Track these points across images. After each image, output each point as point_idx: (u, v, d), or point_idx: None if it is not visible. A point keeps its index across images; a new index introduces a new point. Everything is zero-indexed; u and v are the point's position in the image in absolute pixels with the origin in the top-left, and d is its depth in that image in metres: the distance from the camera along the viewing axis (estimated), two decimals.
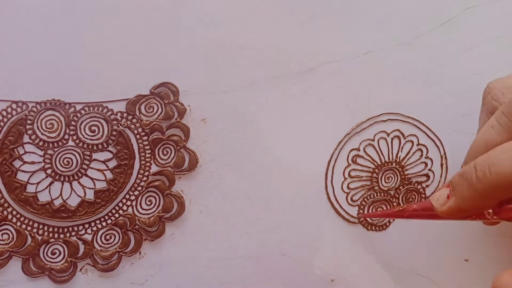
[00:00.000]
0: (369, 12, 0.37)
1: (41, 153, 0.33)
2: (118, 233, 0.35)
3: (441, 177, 0.40)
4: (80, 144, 0.34)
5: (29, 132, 0.33)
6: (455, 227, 0.41)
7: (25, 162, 0.33)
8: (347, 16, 0.37)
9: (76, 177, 0.34)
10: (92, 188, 0.34)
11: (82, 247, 0.34)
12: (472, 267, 0.42)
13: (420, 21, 0.38)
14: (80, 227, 0.34)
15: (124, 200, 0.35)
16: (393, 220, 0.40)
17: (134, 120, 0.34)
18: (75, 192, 0.34)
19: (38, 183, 0.33)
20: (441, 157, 0.40)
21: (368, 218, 0.39)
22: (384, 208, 0.40)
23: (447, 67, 0.39)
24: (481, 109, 0.34)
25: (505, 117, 0.29)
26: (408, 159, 0.40)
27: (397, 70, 0.38)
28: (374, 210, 0.39)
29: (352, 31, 0.37)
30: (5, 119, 0.32)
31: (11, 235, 0.33)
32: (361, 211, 0.39)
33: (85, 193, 0.34)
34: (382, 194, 0.39)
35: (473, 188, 0.27)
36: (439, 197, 0.29)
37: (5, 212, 0.33)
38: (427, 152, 0.40)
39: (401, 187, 0.40)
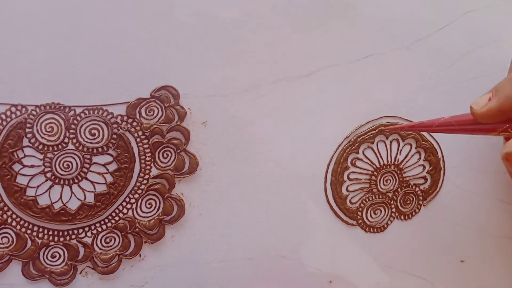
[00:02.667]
0: (369, 16, 0.37)
1: (41, 156, 0.33)
2: (118, 236, 0.35)
3: (438, 179, 0.41)
4: (80, 148, 0.34)
5: (29, 135, 0.33)
6: (451, 228, 0.42)
7: (24, 166, 0.33)
8: (347, 20, 0.37)
9: (76, 181, 0.34)
10: (92, 192, 0.34)
11: (82, 250, 0.34)
12: (468, 268, 0.43)
13: (419, 25, 0.38)
14: (80, 230, 0.34)
15: (124, 203, 0.35)
16: (391, 222, 0.40)
17: (135, 123, 0.34)
18: (75, 195, 0.34)
19: (38, 186, 0.33)
20: (439, 159, 0.41)
21: (366, 220, 0.40)
22: (382, 210, 0.40)
23: (446, 71, 0.40)
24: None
25: None
26: (407, 161, 0.40)
27: (396, 74, 0.39)
28: (372, 213, 0.40)
29: (351, 35, 0.37)
30: (4, 123, 0.32)
31: (11, 239, 0.33)
32: (359, 213, 0.39)
33: (85, 197, 0.34)
34: (381, 197, 0.40)
35: None
36: (480, 101, 0.29)
37: (4, 216, 0.33)
38: (425, 154, 0.40)
39: (399, 190, 0.40)
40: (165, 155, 0.35)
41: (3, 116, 0.32)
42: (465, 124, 0.30)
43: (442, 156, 0.41)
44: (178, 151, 0.35)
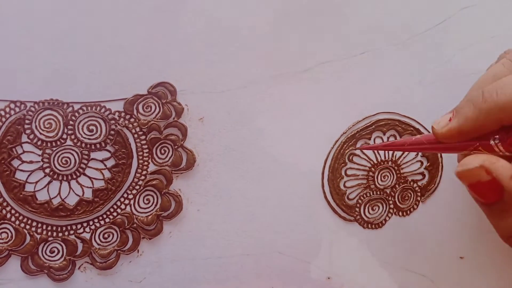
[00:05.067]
0: (365, 11, 0.38)
1: (40, 152, 0.33)
2: (116, 232, 0.35)
3: (436, 175, 0.41)
4: (78, 144, 0.34)
5: (28, 131, 0.33)
6: (451, 224, 0.42)
7: (23, 162, 0.33)
8: (344, 15, 0.37)
9: (74, 176, 0.34)
10: (90, 187, 0.34)
11: (80, 246, 0.35)
12: (467, 264, 0.42)
13: (416, 20, 0.39)
14: (79, 226, 0.35)
15: (122, 199, 0.35)
16: (389, 218, 0.40)
17: (132, 120, 0.35)
18: (73, 191, 0.34)
19: (36, 182, 0.34)
20: (437, 155, 0.41)
21: (364, 216, 0.40)
22: (380, 206, 0.40)
23: (443, 66, 0.40)
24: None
25: None
26: (404, 157, 0.40)
27: (393, 70, 0.39)
28: (370, 209, 0.40)
29: (348, 31, 0.37)
30: (4, 119, 0.33)
31: (10, 234, 0.33)
32: (357, 209, 0.39)
33: (83, 192, 0.34)
34: (378, 193, 0.40)
35: (478, 108, 0.27)
36: (441, 121, 0.29)
37: (4, 211, 0.33)
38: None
39: (397, 186, 0.40)
40: (162, 151, 0.35)
41: (2, 113, 0.33)
42: (435, 143, 0.30)
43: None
44: (176, 147, 0.35)
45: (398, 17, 0.38)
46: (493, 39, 0.40)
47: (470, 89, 0.33)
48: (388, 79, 0.39)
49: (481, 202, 0.27)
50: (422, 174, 0.41)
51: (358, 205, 0.39)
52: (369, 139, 0.39)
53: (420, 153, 0.40)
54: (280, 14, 0.36)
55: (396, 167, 0.40)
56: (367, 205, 0.40)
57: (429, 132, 0.40)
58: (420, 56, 0.39)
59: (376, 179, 0.40)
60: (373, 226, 0.40)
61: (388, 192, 0.40)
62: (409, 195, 0.40)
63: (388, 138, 0.39)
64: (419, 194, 0.41)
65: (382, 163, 0.39)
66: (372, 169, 0.39)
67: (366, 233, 0.40)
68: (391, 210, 0.40)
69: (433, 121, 0.30)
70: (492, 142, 0.27)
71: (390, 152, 0.40)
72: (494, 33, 0.40)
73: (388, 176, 0.40)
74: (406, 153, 0.40)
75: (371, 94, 0.39)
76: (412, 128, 0.40)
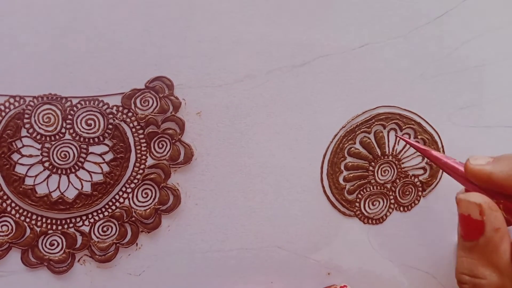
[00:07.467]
0: (365, 4, 0.37)
1: (39, 146, 0.34)
2: (115, 225, 0.36)
3: (439, 170, 0.40)
4: (77, 138, 0.34)
5: (27, 126, 0.33)
6: (452, 219, 0.41)
7: (23, 156, 0.34)
8: (343, 8, 0.37)
9: (73, 170, 0.35)
10: (89, 181, 0.35)
11: (79, 239, 0.35)
12: None
13: (417, 13, 0.38)
14: (78, 219, 0.35)
15: (120, 193, 0.35)
16: (390, 213, 0.40)
17: (130, 114, 0.35)
18: (72, 184, 0.35)
19: (36, 176, 0.34)
20: (439, 150, 0.40)
21: (364, 211, 0.39)
22: (381, 201, 0.40)
23: (445, 59, 0.39)
24: None
25: None
26: (405, 152, 0.40)
27: (394, 63, 0.38)
28: (370, 204, 0.39)
29: (347, 24, 0.37)
30: (3, 113, 0.33)
31: (10, 227, 0.34)
32: (357, 204, 0.39)
33: (82, 186, 0.35)
34: (379, 188, 0.39)
35: None
36: (479, 159, 0.29)
37: (4, 204, 0.34)
38: (425, 145, 0.40)
39: (397, 181, 0.40)
40: (160, 145, 0.36)
41: (2, 107, 0.33)
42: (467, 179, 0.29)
43: (442, 146, 0.40)
44: (173, 141, 0.36)
45: (399, 9, 0.38)
46: (495, 32, 0.39)
47: None
48: (388, 72, 0.38)
49: (461, 234, 0.28)
50: (424, 168, 0.40)
51: (358, 200, 0.39)
52: (369, 133, 0.39)
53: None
54: (278, 8, 0.36)
55: (396, 162, 0.39)
56: (367, 200, 0.39)
57: (434, 129, 0.40)
58: (421, 49, 0.38)
59: (376, 174, 0.39)
60: (374, 221, 0.40)
61: (388, 187, 0.40)
62: (410, 190, 0.40)
63: (388, 132, 0.39)
64: (420, 189, 0.40)
65: (382, 158, 0.39)
66: (372, 163, 0.39)
67: (366, 229, 0.40)
68: (392, 205, 0.40)
69: (472, 155, 0.29)
70: None
71: (391, 146, 0.39)
72: (496, 26, 0.39)
73: (388, 171, 0.39)
74: (406, 147, 0.40)
75: (370, 88, 0.38)
76: (413, 122, 0.39)
